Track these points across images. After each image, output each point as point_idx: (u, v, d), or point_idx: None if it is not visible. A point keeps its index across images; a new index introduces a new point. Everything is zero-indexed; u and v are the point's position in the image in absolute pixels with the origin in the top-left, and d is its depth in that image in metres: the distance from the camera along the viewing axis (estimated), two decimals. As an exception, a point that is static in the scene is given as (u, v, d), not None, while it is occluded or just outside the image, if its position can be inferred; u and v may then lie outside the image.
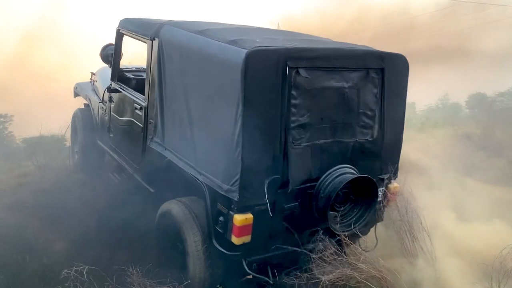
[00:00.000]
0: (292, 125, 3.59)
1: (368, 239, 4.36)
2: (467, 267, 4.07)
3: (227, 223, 3.55)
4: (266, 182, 3.51)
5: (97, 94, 5.99)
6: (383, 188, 4.33)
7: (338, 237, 4.09)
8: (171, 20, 4.53)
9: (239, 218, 3.47)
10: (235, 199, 3.45)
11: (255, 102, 3.35)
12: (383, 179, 4.28)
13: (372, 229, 4.45)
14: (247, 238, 3.55)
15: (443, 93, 19.72)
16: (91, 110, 6.04)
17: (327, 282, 3.61)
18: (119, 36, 5.09)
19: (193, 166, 3.90)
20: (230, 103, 3.39)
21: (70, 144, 6.61)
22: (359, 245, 4.51)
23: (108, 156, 5.68)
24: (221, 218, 3.61)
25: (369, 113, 4.02)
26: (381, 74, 4.02)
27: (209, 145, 3.74)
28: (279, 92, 3.45)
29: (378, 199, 4.32)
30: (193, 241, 3.86)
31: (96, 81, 6.15)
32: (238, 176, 3.41)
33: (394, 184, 4.41)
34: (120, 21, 5.07)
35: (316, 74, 3.65)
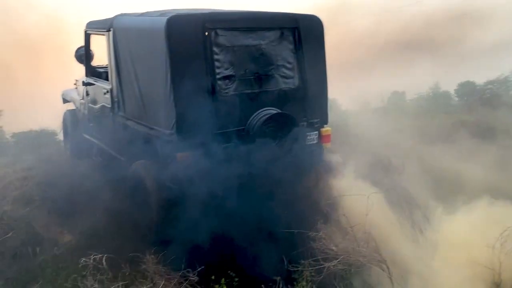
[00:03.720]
0: (218, 76, 4.37)
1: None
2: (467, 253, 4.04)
3: (173, 163, 4.30)
4: (202, 124, 4.27)
5: (79, 95, 6.89)
6: (316, 131, 5.05)
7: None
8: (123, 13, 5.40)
9: (180, 156, 4.23)
10: (175, 140, 4.22)
11: (179, 58, 4.16)
12: (312, 123, 5.00)
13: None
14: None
15: (433, 82, 20.19)
16: (76, 109, 6.94)
17: (332, 268, 3.79)
18: (87, 37, 5.99)
19: (146, 125, 4.70)
20: (161, 62, 4.21)
21: (63, 141, 7.47)
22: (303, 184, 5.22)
23: (91, 144, 6.51)
24: (169, 160, 4.36)
25: (288, 65, 4.78)
26: (295, 32, 4.79)
27: (153, 104, 4.54)
28: (201, 49, 4.26)
29: (313, 142, 5.05)
30: (152, 188, 4.62)
31: (79, 85, 7.06)
32: (174, 120, 4.20)
33: (325, 128, 5.13)
34: (86, 24, 5.98)
35: (234, 34, 4.45)
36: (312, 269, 3.82)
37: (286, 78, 4.79)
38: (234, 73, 4.47)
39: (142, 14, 4.84)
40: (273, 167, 4.52)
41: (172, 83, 4.14)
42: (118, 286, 3.37)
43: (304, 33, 4.82)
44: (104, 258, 3.54)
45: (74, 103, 7.01)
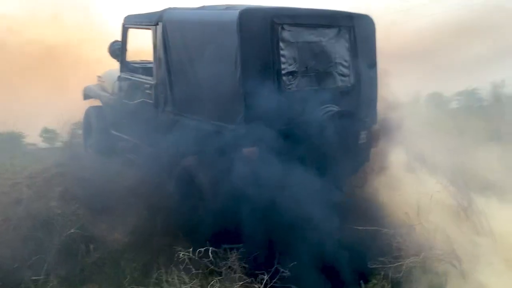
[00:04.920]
0: (283, 72, 4.35)
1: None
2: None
3: (238, 158, 4.22)
4: (268, 119, 4.22)
5: (106, 91, 6.72)
6: (366, 130, 5.07)
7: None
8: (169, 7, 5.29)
9: (246, 151, 4.16)
10: (242, 134, 4.16)
11: (249, 52, 4.12)
12: (365, 122, 5.02)
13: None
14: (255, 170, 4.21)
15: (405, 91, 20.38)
16: (103, 106, 6.76)
17: (410, 265, 3.83)
18: (125, 31, 5.85)
19: (204, 120, 4.61)
20: (230, 56, 4.15)
21: (83, 139, 7.21)
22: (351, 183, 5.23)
23: (122, 142, 6.34)
24: (232, 155, 4.28)
25: (344, 63, 4.80)
26: (351, 31, 4.82)
27: (216, 98, 4.46)
28: (269, 44, 4.23)
29: (363, 141, 5.06)
30: (209, 185, 4.52)
31: (104, 81, 6.90)
32: (242, 114, 4.14)
33: (375, 127, 5.16)
34: (125, 17, 5.84)
35: (298, 30, 4.44)
36: (390, 266, 3.82)
37: (343, 76, 4.81)
38: (297, 69, 4.46)
39: (199, 8, 4.77)
40: (337, 165, 4.52)
41: (242, 76, 4.09)
42: (214, 280, 3.27)
43: (358, 32, 4.86)
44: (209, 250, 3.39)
45: (101, 99, 6.82)
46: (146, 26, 5.37)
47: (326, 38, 4.65)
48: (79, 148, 7.14)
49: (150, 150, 5.56)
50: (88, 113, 7.03)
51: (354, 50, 4.85)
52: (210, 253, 3.45)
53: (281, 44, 4.32)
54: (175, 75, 4.97)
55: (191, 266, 3.56)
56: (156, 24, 5.15)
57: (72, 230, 4.08)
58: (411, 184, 5.02)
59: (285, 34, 4.35)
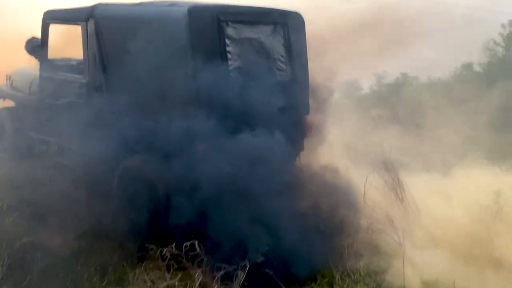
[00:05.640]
0: (230, 68, 4.48)
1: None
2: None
3: (192, 153, 4.27)
4: (221, 116, 4.31)
5: (20, 92, 6.26)
6: (301, 121, 5.40)
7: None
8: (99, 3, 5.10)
9: (201, 146, 4.23)
10: (195, 130, 4.20)
11: (200, 49, 4.20)
12: (299, 114, 5.34)
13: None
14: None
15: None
16: (17, 107, 6.27)
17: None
18: (46, 27, 5.50)
19: (149, 118, 4.55)
20: (179, 52, 4.18)
21: None
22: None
23: (44, 145, 5.96)
24: (185, 151, 4.31)
25: (281, 59, 5.06)
26: (285, 27, 5.08)
27: (165, 94, 4.42)
28: (217, 40, 4.34)
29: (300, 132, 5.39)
30: (161, 185, 4.50)
31: (15, 80, 6.41)
32: (195, 109, 4.20)
33: (308, 117, 5.51)
34: (45, 13, 5.49)
35: (240, 27, 4.61)
36: (342, 245, 4.17)
37: (280, 71, 5.06)
38: (241, 65, 4.61)
39: (138, 5, 4.68)
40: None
41: (193, 72, 4.15)
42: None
43: (291, 28, 5.15)
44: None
45: (14, 100, 6.32)
46: (74, 22, 5.13)
47: (264, 35, 4.87)
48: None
49: (80, 152, 5.32)
50: (0, 116, 6.48)
51: (288, 45, 5.12)
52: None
53: (227, 41, 4.45)
54: (111, 73, 4.84)
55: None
56: (87, 20, 4.95)
57: (24, 240, 3.80)
58: (345, 167, 5.48)
59: (230, 31, 4.49)
